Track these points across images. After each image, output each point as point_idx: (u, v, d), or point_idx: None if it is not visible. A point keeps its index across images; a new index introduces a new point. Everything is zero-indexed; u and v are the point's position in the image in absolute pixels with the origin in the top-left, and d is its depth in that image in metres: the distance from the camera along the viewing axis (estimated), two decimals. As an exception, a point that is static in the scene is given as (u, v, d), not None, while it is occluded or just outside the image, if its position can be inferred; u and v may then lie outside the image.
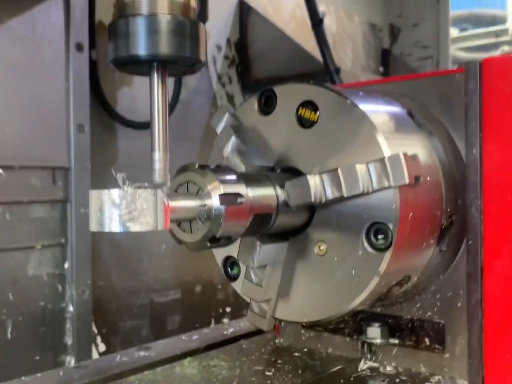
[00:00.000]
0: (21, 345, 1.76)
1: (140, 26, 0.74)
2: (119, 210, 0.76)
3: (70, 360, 1.86)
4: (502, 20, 3.99)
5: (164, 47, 0.75)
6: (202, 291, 2.35)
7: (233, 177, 0.89)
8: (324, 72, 2.32)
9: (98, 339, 2.00)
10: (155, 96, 0.78)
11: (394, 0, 3.35)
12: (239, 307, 2.42)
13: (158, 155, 0.79)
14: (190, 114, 2.34)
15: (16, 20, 1.74)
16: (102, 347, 2.01)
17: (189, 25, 0.76)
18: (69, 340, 1.86)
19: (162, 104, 0.78)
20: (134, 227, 0.76)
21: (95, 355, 1.97)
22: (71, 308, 1.86)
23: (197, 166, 0.86)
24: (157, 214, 0.78)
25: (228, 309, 2.42)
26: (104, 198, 0.76)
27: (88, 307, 1.90)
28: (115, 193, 0.76)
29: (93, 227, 0.78)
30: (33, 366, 1.78)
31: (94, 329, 1.98)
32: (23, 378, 1.12)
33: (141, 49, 0.75)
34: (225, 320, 2.39)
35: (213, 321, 2.38)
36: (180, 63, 0.78)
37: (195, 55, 0.77)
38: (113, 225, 0.76)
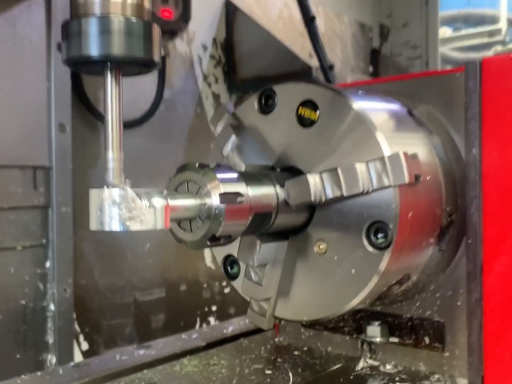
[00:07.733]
0: (2, 343, 1.74)
1: (92, 27, 0.75)
2: (119, 209, 0.76)
3: (52, 359, 1.84)
4: (494, 20, 3.99)
5: (116, 47, 0.75)
6: (187, 290, 2.33)
7: (233, 176, 0.89)
8: (308, 72, 2.33)
9: (81, 337, 1.99)
10: (109, 95, 0.79)
11: (384, 0, 3.37)
12: (225, 306, 2.42)
13: (111, 154, 0.79)
14: (175, 114, 2.32)
15: (-5, 20, 1.72)
16: (85, 346, 2.00)
17: (142, 26, 0.77)
18: (50, 339, 1.85)
19: (116, 104, 0.79)
20: (134, 226, 0.76)
21: (77, 354, 1.96)
22: (52, 307, 1.84)
23: (197, 165, 0.86)
24: (157, 213, 0.78)
25: (214, 308, 2.41)
26: (104, 197, 0.77)
27: (70, 306, 1.88)
28: (115, 192, 0.76)
29: (93, 226, 0.78)
30: (14, 364, 1.76)
31: (77, 327, 1.97)
32: (23, 376, 1.12)
33: (93, 49, 0.75)
34: (211, 319, 2.39)
35: (198, 320, 2.37)
36: (133, 63, 0.79)
37: (147, 55, 0.78)
38: (113, 224, 0.76)
